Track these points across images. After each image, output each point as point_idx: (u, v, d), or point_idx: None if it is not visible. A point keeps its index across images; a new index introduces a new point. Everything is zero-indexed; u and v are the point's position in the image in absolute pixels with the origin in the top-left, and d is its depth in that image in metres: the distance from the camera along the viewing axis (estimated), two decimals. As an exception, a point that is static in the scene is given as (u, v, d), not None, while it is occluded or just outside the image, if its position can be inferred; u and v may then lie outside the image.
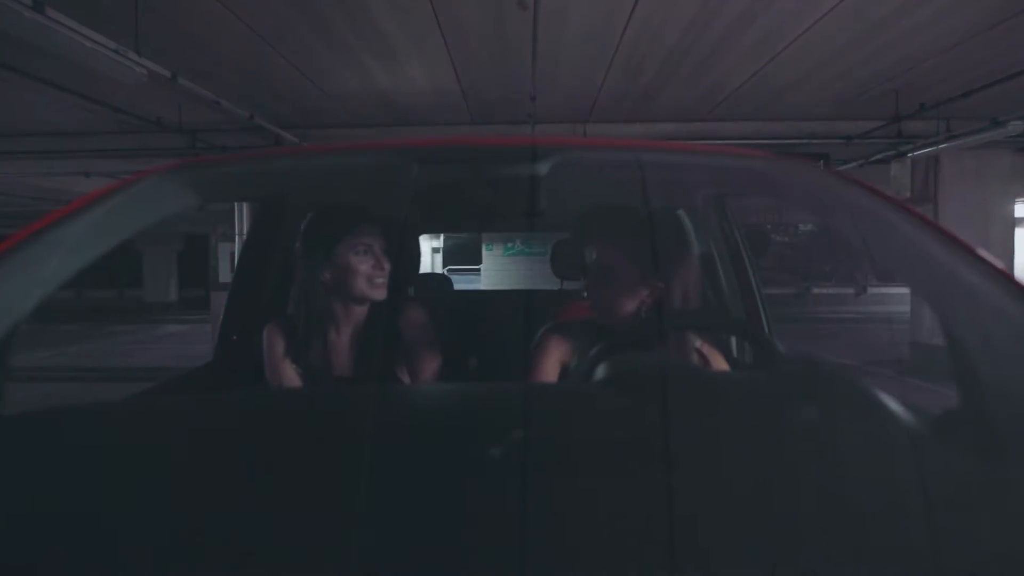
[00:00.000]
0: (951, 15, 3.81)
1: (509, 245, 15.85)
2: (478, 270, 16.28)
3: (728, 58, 4.57)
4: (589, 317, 1.12)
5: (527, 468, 0.46)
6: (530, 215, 1.02)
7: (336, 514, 0.43)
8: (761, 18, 3.86)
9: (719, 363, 0.99)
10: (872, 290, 14.85)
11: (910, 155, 5.99)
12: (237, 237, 6.51)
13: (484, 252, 16.17)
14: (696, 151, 1.19)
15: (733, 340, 0.98)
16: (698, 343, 0.99)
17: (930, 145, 5.65)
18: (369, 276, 1.31)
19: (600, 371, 0.63)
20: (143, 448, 0.53)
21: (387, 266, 1.32)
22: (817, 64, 4.68)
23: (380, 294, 1.32)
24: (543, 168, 1.04)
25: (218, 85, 4.54)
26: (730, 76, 4.99)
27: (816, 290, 14.48)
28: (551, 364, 1.11)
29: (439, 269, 16.65)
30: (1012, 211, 6.63)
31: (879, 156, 6.51)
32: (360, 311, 1.36)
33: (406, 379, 1.41)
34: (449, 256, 16.74)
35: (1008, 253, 6.47)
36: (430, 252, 16.32)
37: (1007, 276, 0.66)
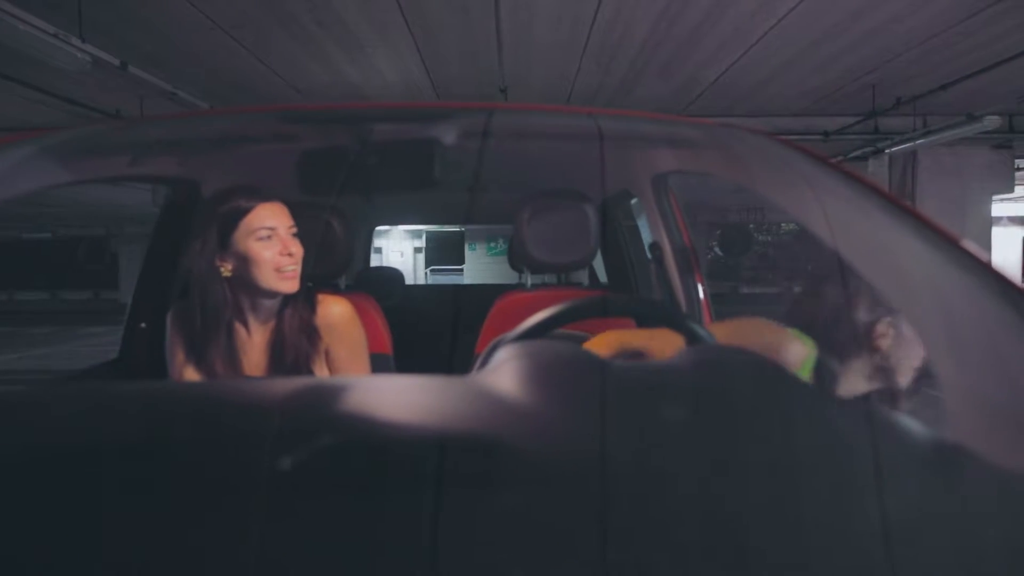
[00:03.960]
0: (926, 6, 3.76)
1: (492, 245, 15.75)
2: (461, 270, 16.19)
3: (701, 50, 4.50)
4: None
5: (448, 478, 0.39)
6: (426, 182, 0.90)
7: (225, 533, 0.36)
8: (732, 9, 3.79)
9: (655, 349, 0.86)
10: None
11: (887, 151, 5.96)
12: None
13: (467, 252, 16.08)
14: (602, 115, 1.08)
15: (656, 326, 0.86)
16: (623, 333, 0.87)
17: (907, 141, 5.62)
18: (277, 266, 1.16)
19: (498, 358, 0.53)
20: None
21: (297, 251, 1.18)
22: (792, 57, 4.63)
23: (291, 286, 1.17)
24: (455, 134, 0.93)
25: (175, 75, 4.38)
26: (705, 69, 4.92)
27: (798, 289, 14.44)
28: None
29: (421, 269, 16.51)
30: (989, 208, 6.62)
31: (857, 153, 6.48)
32: (272, 304, 1.23)
33: None
34: (431, 256, 16.60)
35: (984, 250, 6.45)
36: (412, 252, 16.17)
37: (995, 272, 0.55)
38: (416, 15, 3.82)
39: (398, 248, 15.83)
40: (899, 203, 0.63)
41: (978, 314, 0.55)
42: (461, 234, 15.22)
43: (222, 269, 1.16)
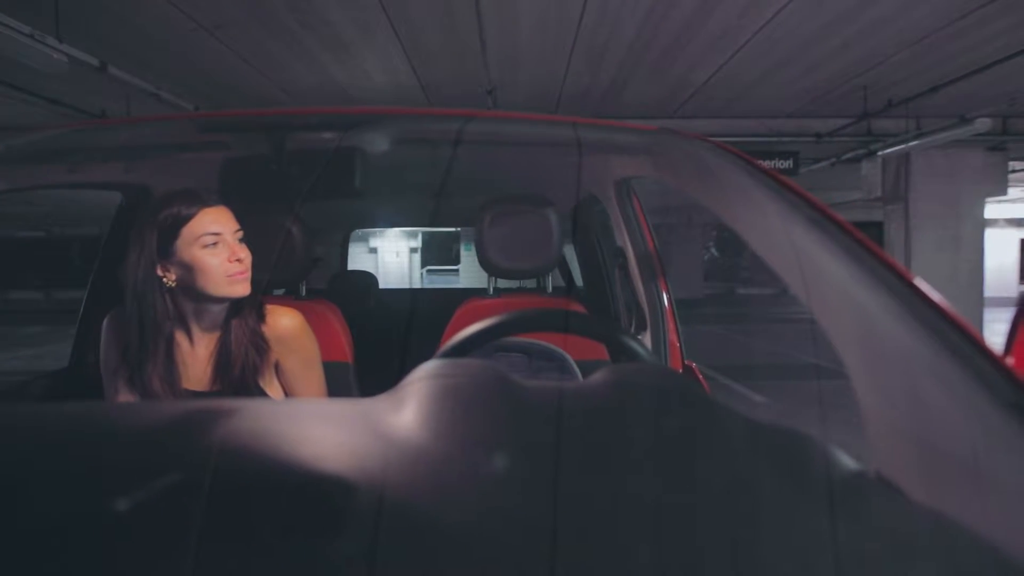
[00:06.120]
0: (915, 7, 3.73)
1: (487, 245, 15.77)
2: (456, 270, 16.17)
3: (691, 50, 4.46)
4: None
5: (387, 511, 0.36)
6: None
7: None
8: (718, 10, 3.75)
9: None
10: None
11: (880, 153, 5.93)
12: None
13: (463, 252, 16.06)
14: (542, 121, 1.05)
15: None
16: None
17: (899, 143, 5.58)
18: (226, 272, 1.12)
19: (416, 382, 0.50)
20: None
21: (246, 257, 1.14)
22: (783, 58, 4.60)
23: (243, 288, 1.12)
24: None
25: (159, 75, 4.34)
26: (695, 70, 4.88)
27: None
28: None
29: (417, 269, 16.47)
30: (982, 210, 6.59)
31: (850, 155, 6.45)
32: (216, 312, 1.18)
33: (278, 396, 1.24)
34: (427, 256, 16.58)
35: (978, 253, 6.43)
36: (408, 252, 16.15)
37: (923, 294, 0.52)
38: (400, 15, 3.78)
39: (394, 248, 15.80)
40: (828, 213, 0.60)
41: (900, 337, 0.52)
42: (456, 235, 15.19)
43: (164, 279, 1.11)
